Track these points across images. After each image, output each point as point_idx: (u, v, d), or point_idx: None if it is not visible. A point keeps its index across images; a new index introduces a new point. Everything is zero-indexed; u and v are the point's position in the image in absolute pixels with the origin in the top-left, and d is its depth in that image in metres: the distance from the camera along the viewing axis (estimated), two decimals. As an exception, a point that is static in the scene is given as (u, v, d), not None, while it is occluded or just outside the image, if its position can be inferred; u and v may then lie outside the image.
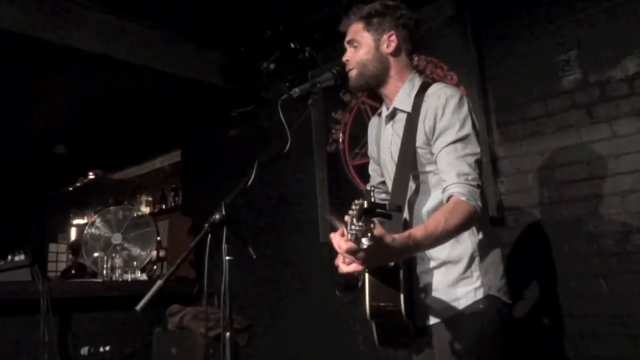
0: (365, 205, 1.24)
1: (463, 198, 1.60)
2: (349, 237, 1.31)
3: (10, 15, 3.26)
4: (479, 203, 1.62)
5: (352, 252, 1.38)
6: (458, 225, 1.59)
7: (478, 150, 1.71)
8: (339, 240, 1.44)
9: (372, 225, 1.28)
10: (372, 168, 2.15)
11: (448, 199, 1.64)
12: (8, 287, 3.29)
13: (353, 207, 1.28)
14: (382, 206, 1.29)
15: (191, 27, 3.94)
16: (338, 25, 1.95)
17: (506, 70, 2.97)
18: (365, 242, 1.28)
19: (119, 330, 3.71)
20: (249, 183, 1.49)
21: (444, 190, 1.67)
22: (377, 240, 1.31)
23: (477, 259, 1.76)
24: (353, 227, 1.28)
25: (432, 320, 1.76)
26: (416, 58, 3.16)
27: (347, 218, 1.34)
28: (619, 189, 2.56)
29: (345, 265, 1.50)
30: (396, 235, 1.45)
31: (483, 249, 1.78)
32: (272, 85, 4.02)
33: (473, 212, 1.61)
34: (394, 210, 1.43)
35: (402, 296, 1.62)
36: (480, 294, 1.73)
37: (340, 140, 3.66)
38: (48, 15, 3.44)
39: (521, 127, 2.90)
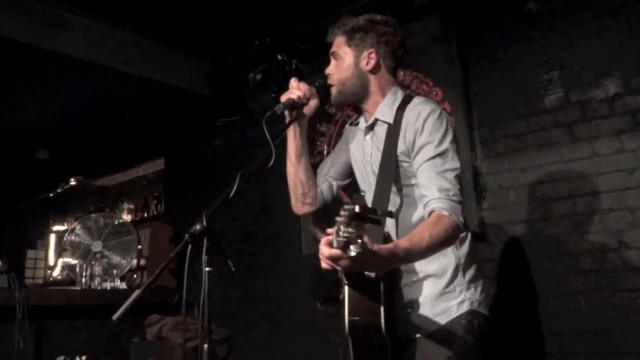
0: (357, 209, 1.19)
1: (445, 213, 1.60)
2: (336, 244, 1.27)
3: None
4: (461, 219, 1.63)
5: (335, 259, 1.36)
6: (442, 240, 1.59)
7: (458, 165, 1.71)
8: (322, 246, 1.39)
9: (362, 232, 1.23)
10: (328, 162, 2.12)
11: (429, 214, 1.64)
12: (-17, 294, 3.22)
13: (342, 213, 1.22)
14: (374, 211, 1.24)
15: (178, 35, 3.93)
16: (325, 37, 1.96)
17: (490, 87, 3.01)
18: (354, 249, 1.23)
19: (96, 339, 3.65)
20: (231, 194, 1.48)
21: (425, 205, 1.66)
22: (365, 248, 1.28)
23: (460, 273, 1.76)
24: (341, 233, 1.23)
25: (415, 334, 1.75)
26: (402, 73, 3.19)
27: (330, 230, 1.30)
28: (599, 207, 2.60)
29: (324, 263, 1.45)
30: (382, 246, 1.43)
31: (466, 263, 1.78)
32: (258, 96, 4.03)
33: (455, 227, 1.61)
34: (386, 215, 1.38)
35: (382, 310, 1.60)
36: (463, 308, 1.73)
37: (325, 152, 3.67)
38: (34, 20, 3.41)
39: (504, 144, 2.93)
